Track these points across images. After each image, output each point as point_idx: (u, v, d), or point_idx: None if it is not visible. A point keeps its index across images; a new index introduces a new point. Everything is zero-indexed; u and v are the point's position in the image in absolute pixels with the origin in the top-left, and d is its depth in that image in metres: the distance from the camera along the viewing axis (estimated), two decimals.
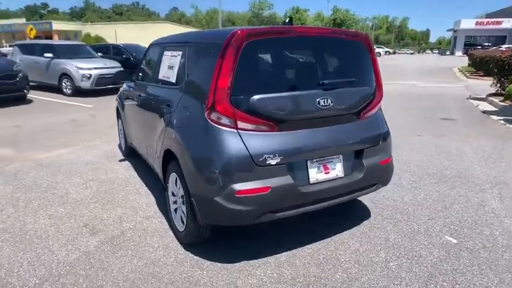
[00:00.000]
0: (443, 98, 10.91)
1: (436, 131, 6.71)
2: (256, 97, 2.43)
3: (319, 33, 2.90)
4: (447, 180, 4.25)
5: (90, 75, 11.08)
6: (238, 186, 2.41)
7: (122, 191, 4.00)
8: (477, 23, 53.99)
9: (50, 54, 11.62)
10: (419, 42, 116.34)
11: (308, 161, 2.62)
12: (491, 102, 9.60)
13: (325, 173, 2.69)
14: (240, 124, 2.44)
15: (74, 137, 6.38)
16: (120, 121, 5.21)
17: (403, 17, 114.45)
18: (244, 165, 2.41)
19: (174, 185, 2.99)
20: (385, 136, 3.04)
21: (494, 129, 6.95)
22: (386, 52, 59.64)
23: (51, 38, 38.00)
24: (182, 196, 2.80)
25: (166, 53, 3.51)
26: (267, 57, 2.75)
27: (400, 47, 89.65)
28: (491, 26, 51.67)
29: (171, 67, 3.32)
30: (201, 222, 2.63)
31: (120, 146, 5.52)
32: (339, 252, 2.82)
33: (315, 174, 2.64)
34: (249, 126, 2.45)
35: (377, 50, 53.18)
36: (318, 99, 2.59)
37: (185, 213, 2.78)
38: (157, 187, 3.94)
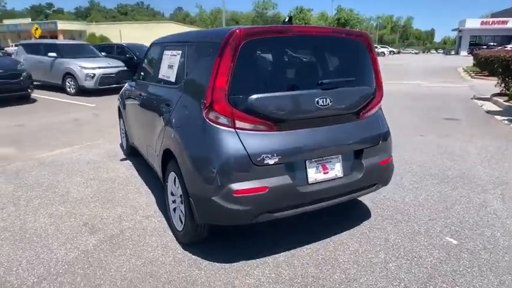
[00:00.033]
0: (448, 97, 10.85)
1: (439, 131, 6.66)
2: (254, 96, 2.42)
3: (318, 33, 2.88)
4: (449, 181, 4.22)
5: (94, 74, 11.13)
6: (236, 186, 2.40)
7: (122, 190, 4.01)
8: (482, 23, 53.63)
9: (54, 54, 11.68)
10: (424, 42, 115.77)
11: (307, 161, 2.60)
12: (495, 102, 9.53)
13: (324, 173, 2.67)
14: (238, 123, 2.43)
15: (76, 136, 6.41)
16: (121, 120, 5.22)
17: (408, 17, 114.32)
18: (242, 165, 2.40)
19: (173, 185, 2.99)
20: (385, 136, 3.01)
21: (498, 129, 6.89)
22: (390, 52, 59.41)
23: (56, 37, 38.22)
24: (181, 195, 2.79)
25: (166, 52, 3.51)
26: (266, 56, 2.74)
27: (405, 47, 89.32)
28: (496, 26, 51.31)
29: (170, 66, 3.32)
30: (198, 221, 2.63)
31: (121, 145, 5.53)
32: (337, 252, 2.81)
33: (314, 174, 2.63)
34: (247, 125, 2.44)
35: (381, 49, 53.05)
36: (316, 99, 2.58)
37: (183, 212, 2.78)
38: (158, 186, 3.94)
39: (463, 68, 22.74)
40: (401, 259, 2.71)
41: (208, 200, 2.45)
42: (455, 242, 2.94)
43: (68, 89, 11.47)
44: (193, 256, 2.75)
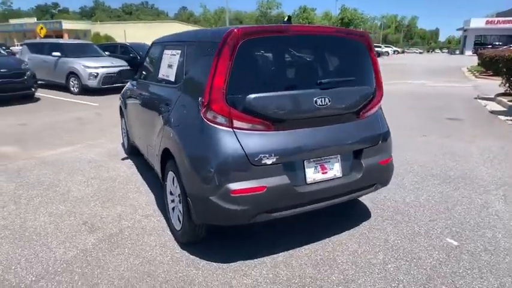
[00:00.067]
0: (452, 97, 10.77)
1: (442, 131, 6.62)
2: (252, 96, 2.41)
3: (317, 32, 2.87)
4: (451, 181, 4.19)
5: (97, 73, 11.16)
6: (234, 186, 2.39)
7: (122, 189, 4.01)
8: (487, 22, 53.16)
9: (58, 53, 11.74)
10: (428, 41, 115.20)
11: (305, 161, 2.59)
12: (499, 102, 9.45)
13: (323, 173, 2.65)
14: (236, 123, 2.42)
15: (78, 135, 6.44)
16: (123, 120, 5.23)
17: (412, 16, 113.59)
18: (240, 165, 2.39)
19: (171, 184, 2.98)
20: (385, 136, 2.99)
21: (501, 129, 6.83)
22: (394, 51, 59.15)
23: (61, 37, 38.45)
24: (179, 195, 2.79)
25: (166, 51, 3.51)
26: (264, 56, 2.73)
27: (409, 46, 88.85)
28: (501, 25, 50.85)
29: (170, 66, 3.32)
30: (196, 221, 2.62)
31: (123, 145, 5.54)
32: (336, 253, 2.79)
33: (312, 174, 2.61)
34: (244, 125, 2.44)
35: (386, 49, 52.79)
36: (315, 99, 2.56)
37: (182, 212, 2.78)
38: (158, 186, 3.95)
39: (467, 68, 22.58)
40: (401, 260, 2.69)
41: (206, 199, 2.44)
42: (455, 243, 2.91)
43: (72, 88, 11.52)
44: (191, 256, 2.75)
